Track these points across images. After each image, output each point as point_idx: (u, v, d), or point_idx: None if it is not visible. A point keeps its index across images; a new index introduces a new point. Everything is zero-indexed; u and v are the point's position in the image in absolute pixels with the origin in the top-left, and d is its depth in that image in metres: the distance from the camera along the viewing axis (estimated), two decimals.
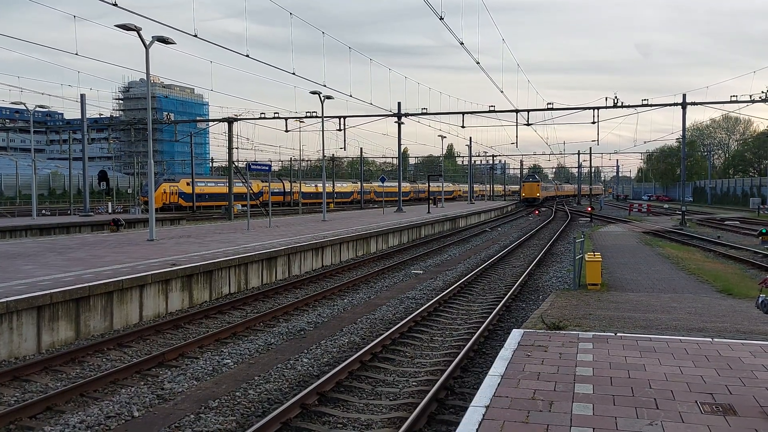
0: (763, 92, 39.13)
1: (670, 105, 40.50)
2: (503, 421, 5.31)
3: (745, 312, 11.14)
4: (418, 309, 13.34)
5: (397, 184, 50.90)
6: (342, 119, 45.47)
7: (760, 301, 5.73)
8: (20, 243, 21.22)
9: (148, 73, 20.62)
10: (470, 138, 75.56)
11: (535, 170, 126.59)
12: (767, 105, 42.74)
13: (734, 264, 21.10)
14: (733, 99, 38.89)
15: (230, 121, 45.40)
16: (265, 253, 17.51)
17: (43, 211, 50.28)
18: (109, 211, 49.38)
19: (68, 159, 54.96)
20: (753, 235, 30.39)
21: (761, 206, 58.49)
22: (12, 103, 41.13)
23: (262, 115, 45.89)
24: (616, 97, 40.71)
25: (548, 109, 42.52)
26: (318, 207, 59.94)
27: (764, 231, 27.82)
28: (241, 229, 27.04)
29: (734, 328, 9.68)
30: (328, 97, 33.75)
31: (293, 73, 31.37)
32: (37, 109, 41.31)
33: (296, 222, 33.70)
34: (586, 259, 14.56)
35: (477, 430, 5.15)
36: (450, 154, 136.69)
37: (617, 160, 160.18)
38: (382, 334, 11.18)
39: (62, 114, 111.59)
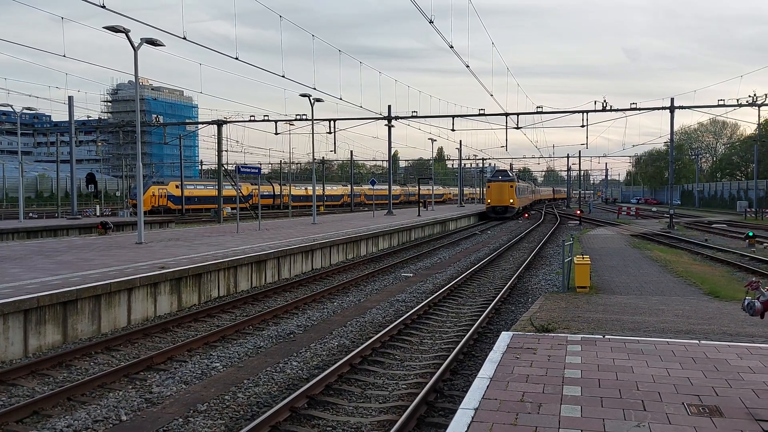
0: (750, 96, 39.57)
1: (659, 109, 40.81)
2: (492, 423, 5.32)
3: (732, 314, 11.22)
4: (408, 312, 13.35)
5: (387, 187, 50.93)
6: (332, 122, 45.49)
7: (746, 303, 5.77)
8: (7, 246, 21.05)
9: (136, 75, 20.54)
10: (460, 141, 75.88)
11: (525, 173, 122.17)
12: (754, 109, 43.03)
13: (721, 267, 21.25)
14: (721, 103, 39.24)
15: (220, 123, 45.28)
16: (254, 256, 17.46)
17: (30, 214, 49.91)
18: (97, 213, 49.08)
19: (56, 161, 54.67)
20: (740, 238, 30.63)
21: (748, 209, 58.98)
22: None
23: (252, 118, 45.84)
24: (605, 100, 40.93)
25: (538, 112, 42.72)
26: (308, 210, 59.86)
27: (751, 234, 28.06)
28: (231, 232, 26.95)
29: (721, 330, 9.75)
30: (318, 100, 33.72)
31: (283, 76, 31.39)
32: (25, 111, 41.08)
33: (286, 225, 33.63)
34: (575, 262, 14.62)
35: None
36: (440, 157, 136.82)
37: (606, 163, 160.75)
38: (372, 337, 11.18)
39: (50, 116, 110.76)
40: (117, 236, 26.20)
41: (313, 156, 36.15)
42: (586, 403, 5.84)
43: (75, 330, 11.33)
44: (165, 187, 61.73)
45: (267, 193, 72.84)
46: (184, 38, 23.06)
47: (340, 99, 43.95)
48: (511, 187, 56.60)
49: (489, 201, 57.64)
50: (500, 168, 70.70)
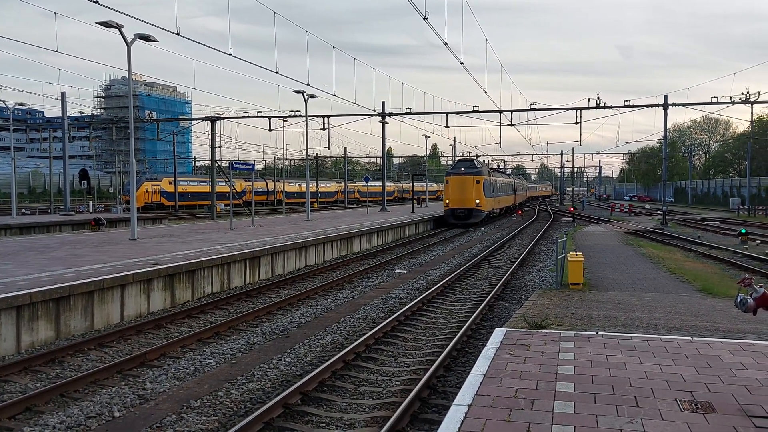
0: (743, 93, 39.70)
1: (652, 106, 40.89)
2: (485, 420, 5.33)
3: (725, 311, 11.26)
4: (401, 308, 13.35)
5: (381, 183, 50.89)
6: (326, 118, 45.44)
7: (738, 299, 5.79)
8: None
9: (129, 71, 20.44)
10: (454, 138, 75.71)
11: (520, 170, 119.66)
12: (747, 106, 43.23)
13: (714, 263, 21.34)
14: (714, 100, 39.36)
15: (213, 119, 45.17)
16: (248, 252, 17.42)
17: (23, 210, 49.69)
18: (90, 210, 48.91)
19: (49, 157, 54.39)
20: (733, 236, 30.76)
21: (741, 207, 59.24)
22: None
23: (246, 114, 45.77)
24: (598, 98, 41.08)
25: (531, 109, 42.75)
26: (302, 206, 59.78)
27: (744, 231, 28.20)
28: (224, 229, 26.89)
29: (714, 326, 9.79)
30: (312, 97, 33.66)
31: (277, 72, 31.30)
32: (17, 106, 40.81)
33: (280, 221, 33.57)
34: (569, 258, 14.64)
35: (459, 428, 5.16)
36: (434, 153, 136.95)
37: (599, 160, 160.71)
38: (366, 333, 11.18)
39: (42, 112, 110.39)
40: (110, 232, 26.10)
41: (307, 152, 36.10)
42: (579, 399, 5.85)
43: (68, 326, 11.28)
44: (158, 183, 61.50)
45: (261, 190, 72.68)
46: (178, 34, 22.97)
47: (334, 95, 43.91)
48: (477, 182, 40.74)
49: (447, 201, 41.46)
50: (464, 158, 53.39)
